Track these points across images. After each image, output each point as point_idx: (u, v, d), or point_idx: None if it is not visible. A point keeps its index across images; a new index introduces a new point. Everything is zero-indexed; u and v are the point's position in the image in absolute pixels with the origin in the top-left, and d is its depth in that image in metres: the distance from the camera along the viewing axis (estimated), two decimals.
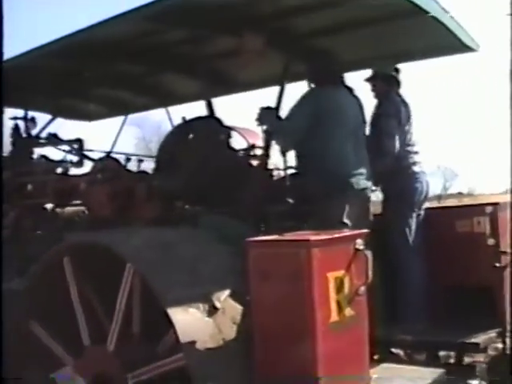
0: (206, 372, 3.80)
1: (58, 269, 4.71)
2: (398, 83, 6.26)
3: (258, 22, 5.46)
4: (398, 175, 6.00)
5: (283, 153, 5.56)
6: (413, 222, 5.93)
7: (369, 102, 6.19)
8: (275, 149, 5.72)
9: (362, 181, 5.39)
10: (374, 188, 5.70)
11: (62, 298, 4.75)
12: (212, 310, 3.97)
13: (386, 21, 5.51)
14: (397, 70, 6.25)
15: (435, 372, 4.79)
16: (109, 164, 6.10)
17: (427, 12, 5.15)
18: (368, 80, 6.29)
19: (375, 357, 5.11)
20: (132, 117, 8.58)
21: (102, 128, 10.04)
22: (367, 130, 5.99)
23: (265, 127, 5.62)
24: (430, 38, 5.67)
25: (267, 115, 5.54)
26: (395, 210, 5.97)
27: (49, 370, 4.90)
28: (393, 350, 5.93)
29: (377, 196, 6.34)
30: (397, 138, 5.94)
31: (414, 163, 6.08)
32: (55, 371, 4.85)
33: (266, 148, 5.74)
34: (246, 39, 5.44)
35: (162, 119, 8.38)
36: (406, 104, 6.18)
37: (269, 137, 5.66)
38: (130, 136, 34.38)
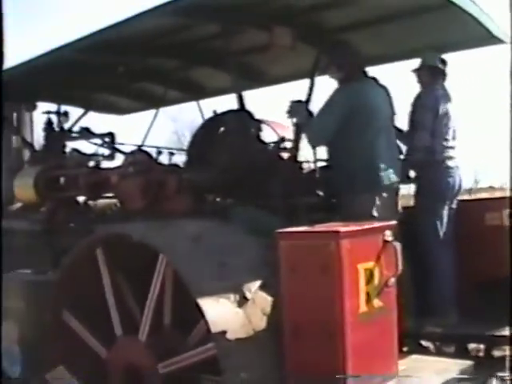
0: (236, 362, 3.82)
1: (90, 260, 4.77)
2: (443, 75, 6.23)
3: (288, 16, 5.49)
4: (431, 168, 5.98)
5: (313, 146, 5.58)
6: (444, 216, 5.92)
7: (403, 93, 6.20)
8: (305, 141, 5.74)
9: (392, 175, 5.39)
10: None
11: (94, 289, 4.81)
12: (242, 301, 3.99)
13: (416, 14, 5.52)
14: (443, 62, 6.20)
15: (464, 364, 4.78)
16: (140, 157, 6.15)
17: (456, 4, 5.15)
18: (414, 71, 6.26)
19: (404, 349, 5.14)
20: (166, 111, 8.66)
21: (134, 122, 10.12)
22: (406, 122, 6.01)
23: (295, 120, 5.66)
24: (460, 31, 5.66)
25: (298, 108, 5.58)
26: (426, 202, 5.96)
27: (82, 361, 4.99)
28: (422, 342, 5.94)
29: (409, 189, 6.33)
30: (430, 131, 5.93)
31: (449, 158, 6.04)
32: (88, 361, 4.93)
33: (296, 141, 5.76)
34: (276, 33, 5.46)
35: (196, 113, 8.43)
36: (447, 97, 6.13)
37: (299, 129, 5.69)
38: (163, 130, 34.51)
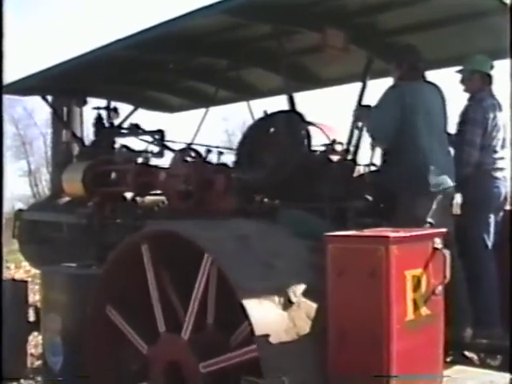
0: (279, 365, 3.78)
1: (135, 256, 4.77)
2: (491, 82, 6.09)
3: (341, 18, 5.46)
4: (477, 179, 5.88)
5: (373, 148, 5.54)
6: (490, 226, 5.82)
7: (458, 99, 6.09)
8: (357, 144, 5.72)
9: (447, 179, 5.32)
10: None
11: (138, 285, 4.82)
12: (287, 304, 3.95)
13: (470, 19, 5.45)
14: (491, 67, 6.07)
15: (508, 377, 4.70)
16: (189, 155, 6.15)
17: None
18: (464, 76, 6.11)
19: (448, 359, 5.06)
20: (218, 110, 8.65)
21: (185, 120, 10.12)
22: (454, 133, 5.91)
23: (361, 124, 5.65)
24: None
25: (365, 113, 5.56)
26: (472, 212, 5.87)
27: (124, 356, 5.00)
28: (466, 353, 5.85)
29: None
30: (479, 146, 5.82)
31: (497, 169, 5.93)
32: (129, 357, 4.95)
33: (348, 144, 5.74)
34: (329, 34, 5.43)
35: (247, 113, 8.46)
36: (495, 106, 5.96)
37: (361, 133, 5.67)
38: (214, 129, 34.82)
